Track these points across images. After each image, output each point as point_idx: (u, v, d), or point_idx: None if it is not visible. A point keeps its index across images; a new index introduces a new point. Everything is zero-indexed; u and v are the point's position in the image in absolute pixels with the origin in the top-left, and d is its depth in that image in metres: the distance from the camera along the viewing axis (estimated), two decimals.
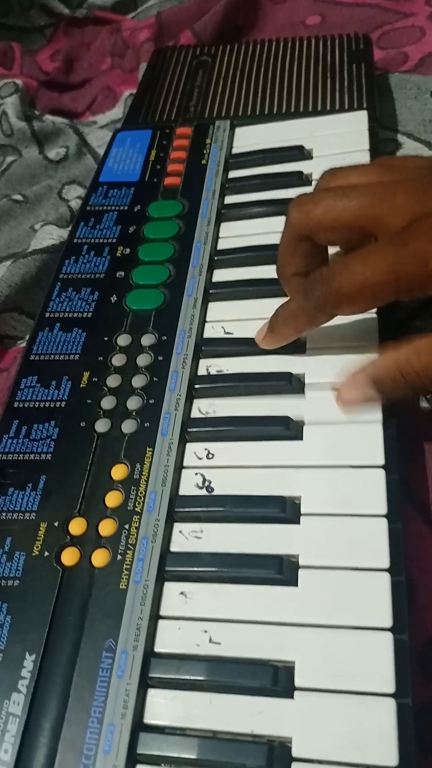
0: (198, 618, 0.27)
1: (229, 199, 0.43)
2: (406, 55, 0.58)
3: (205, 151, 0.46)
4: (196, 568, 0.28)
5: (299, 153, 0.44)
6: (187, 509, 0.30)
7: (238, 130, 0.48)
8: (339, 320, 0.34)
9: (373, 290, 0.29)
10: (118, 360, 0.35)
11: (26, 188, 0.57)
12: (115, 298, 0.38)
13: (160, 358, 0.35)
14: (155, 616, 0.27)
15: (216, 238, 0.41)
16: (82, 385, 0.35)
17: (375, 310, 0.34)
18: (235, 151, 0.46)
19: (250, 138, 0.47)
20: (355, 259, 0.29)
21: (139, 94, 0.54)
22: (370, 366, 0.31)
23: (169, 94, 0.53)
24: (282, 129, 0.47)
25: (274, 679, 0.25)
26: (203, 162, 0.45)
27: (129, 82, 0.65)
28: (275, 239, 0.39)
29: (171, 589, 0.28)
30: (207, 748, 0.24)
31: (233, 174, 0.45)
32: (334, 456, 0.30)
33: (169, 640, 0.27)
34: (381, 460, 0.29)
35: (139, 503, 0.30)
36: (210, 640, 0.26)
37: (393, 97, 0.55)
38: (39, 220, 0.55)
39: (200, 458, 0.32)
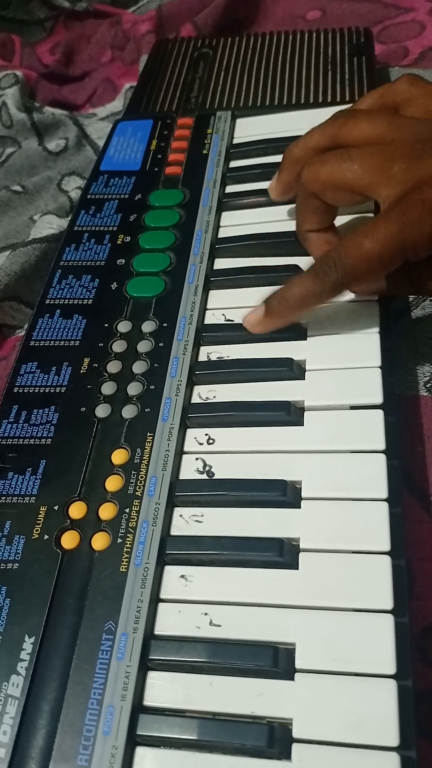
0: (198, 601, 0.27)
1: (230, 189, 0.43)
2: (406, 50, 0.58)
3: (206, 141, 0.46)
4: (196, 552, 0.28)
5: None
6: (187, 493, 0.30)
7: (239, 121, 0.48)
8: (340, 307, 0.34)
9: (383, 261, 0.30)
10: (118, 346, 0.35)
11: (26, 179, 0.57)
12: (116, 285, 0.38)
13: (161, 344, 0.35)
14: (155, 599, 0.27)
15: (217, 226, 0.41)
16: (82, 371, 0.35)
17: (376, 296, 0.34)
18: (236, 141, 0.46)
19: (251, 129, 0.47)
20: (362, 236, 0.30)
21: (140, 84, 0.54)
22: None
23: (170, 85, 0.53)
24: (283, 120, 0.47)
25: (275, 661, 0.24)
26: (204, 152, 0.45)
27: (129, 74, 0.65)
28: (276, 228, 0.39)
29: (171, 572, 0.28)
30: (207, 728, 0.24)
31: (234, 164, 0.45)
32: (335, 441, 0.30)
33: (170, 622, 0.27)
34: (382, 445, 0.29)
35: (139, 487, 0.30)
36: (210, 623, 0.26)
37: None
38: (38, 210, 0.55)
39: (201, 443, 0.32)
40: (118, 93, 0.64)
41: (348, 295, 0.34)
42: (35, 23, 0.78)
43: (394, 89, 0.36)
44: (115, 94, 0.65)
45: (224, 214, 0.42)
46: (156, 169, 0.45)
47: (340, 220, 0.37)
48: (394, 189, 0.31)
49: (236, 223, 0.41)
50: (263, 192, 0.42)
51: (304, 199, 0.35)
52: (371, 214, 0.38)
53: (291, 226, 0.39)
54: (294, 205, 0.40)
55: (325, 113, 0.46)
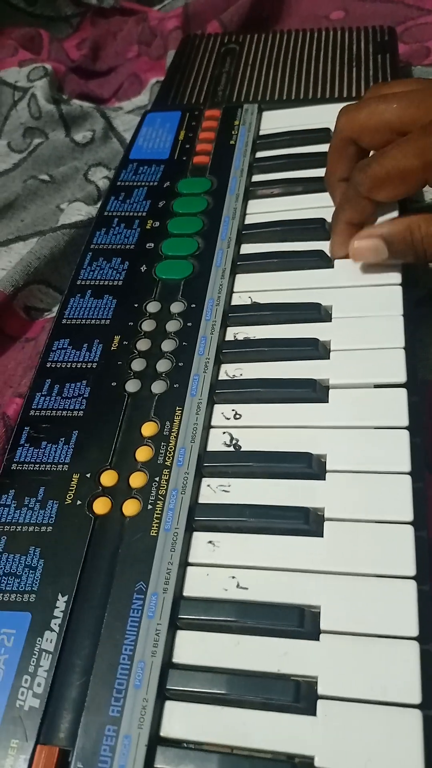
0: (226, 565, 0.28)
1: (257, 178, 0.44)
2: (428, 49, 0.60)
3: (233, 132, 0.47)
4: (224, 519, 0.29)
5: (325, 135, 0.45)
6: (215, 464, 0.31)
7: (266, 114, 0.49)
8: (364, 291, 0.35)
9: (403, 173, 0.32)
10: (147, 325, 0.36)
11: (53, 169, 0.59)
12: (145, 268, 0.39)
13: (189, 324, 0.36)
14: (184, 563, 0.28)
15: (243, 213, 0.42)
16: (112, 348, 0.36)
17: (399, 281, 0.35)
18: (262, 132, 0.47)
19: (277, 121, 0.48)
20: (391, 147, 0.33)
21: (168, 78, 0.55)
22: (386, 223, 0.35)
23: (198, 79, 0.54)
24: (308, 113, 0.48)
25: (300, 621, 0.25)
26: (231, 142, 0.46)
27: (156, 69, 0.66)
28: (301, 215, 0.40)
29: (199, 538, 0.29)
30: (235, 684, 0.25)
31: (261, 154, 0.46)
32: (359, 417, 0.31)
33: (198, 585, 0.27)
34: (405, 421, 0.30)
35: (168, 458, 0.31)
36: (237, 586, 0.27)
37: None
38: (65, 199, 0.56)
39: (228, 418, 0.33)
40: (144, 87, 0.65)
41: (371, 279, 0.35)
42: (62, 20, 0.79)
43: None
44: (141, 88, 0.66)
45: (251, 202, 0.43)
46: (184, 158, 0.46)
47: None
48: None
49: (262, 210, 0.42)
50: (288, 182, 0.43)
51: (338, 146, 0.37)
52: None
53: (315, 213, 0.40)
54: (318, 194, 0.41)
55: None
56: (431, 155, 0.31)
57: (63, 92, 0.66)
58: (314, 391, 0.32)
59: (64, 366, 0.35)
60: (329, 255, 0.38)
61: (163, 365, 0.34)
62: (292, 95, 0.50)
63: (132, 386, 0.34)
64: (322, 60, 0.53)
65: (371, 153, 0.37)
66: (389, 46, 0.53)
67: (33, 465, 0.32)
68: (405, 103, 0.34)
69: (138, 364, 0.35)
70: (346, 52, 0.53)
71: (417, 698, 0.23)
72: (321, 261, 0.38)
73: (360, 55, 0.53)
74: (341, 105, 0.47)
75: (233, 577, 0.27)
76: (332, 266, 0.37)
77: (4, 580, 0.28)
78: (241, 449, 0.31)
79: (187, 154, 0.46)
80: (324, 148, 0.44)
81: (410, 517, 0.27)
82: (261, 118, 0.49)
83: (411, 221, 0.34)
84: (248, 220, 0.42)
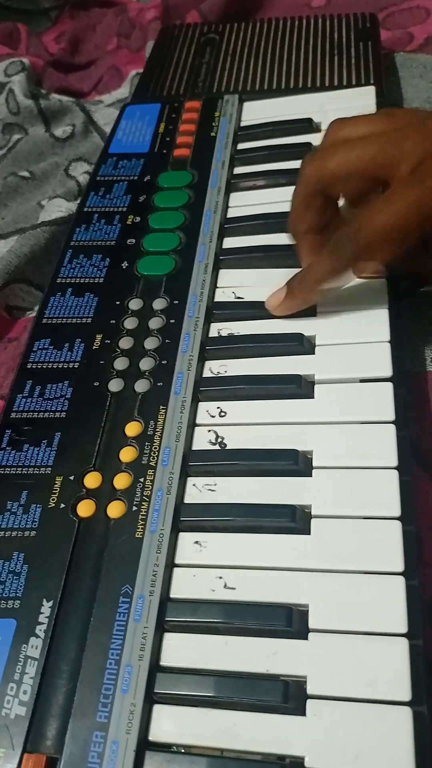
0: (213, 565, 0.27)
1: (239, 170, 0.44)
2: (411, 35, 0.59)
3: (214, 124, 0.46)
4: (210, 518, 0.29)
5: (308, 125, 0.45)
6: (200, 463, 0.30)
7: (247, 105, 0.48)
8: (350, 283, 0.35)
9: (401, 232, 0.30)
10: (130, 323, 0.36)
11: (33, 165, 0.58)
12: (126, 264, 0.39)
13: (172, 321, 0.36)
14: (170, 564, 0.28)
15: (226, 206, 0.41)
16: (94, 347, 0.35)
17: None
18: (243, 123, 0.47)
19: (258, 112, 0.47)
20: (377, 209, 0.30)
21: (147, 70, 0.55)
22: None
23: (177, 70, 0.53)
24: (290, 103, 0.47)
25: (288, 620, 0.25)
26: (212, 134, 0.46)
27: (135, 61, 0.65)
28: (284, 208, 0.39)
29: (185, 538, 0.28)
30: (223, 685, 0.24)
31: (242, 146, 0.45)
32: (345, 412, 0.31)
33: (185, 586, 0.27)
34: (392, 416, 0.30)
35: (153, 458, 0.30)
36: (225, 586, 0.27)
37: (399, 76, 0.55)
38: (46, 196, 0.55)
39: (213, 416, 0.32)
40: (124, 80, 0.65)
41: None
42: (40, 13, 0.78)
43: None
44: (121, 81, 0.65)
45: (233, 195, 0.42)
46: (164, 151, 0.45)
47: None
48: (411, 162, 0.30)
49: (245, 203, 0.41)
50: (271, 173, 0.42)
51: (306, 197, 0.34)
52: None
53: None
54: None
55: (331, 97, 0.47)
56: (427, 205, 0.29)
57: (42, 87, 0.65)
58: (299, 387, 0.32)
59: (45, 366, 0.35)
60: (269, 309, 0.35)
61: (146, 363, 0.34)
62: (273, 85, 0.50)
63: (115, 385, 0.33)
64: (303, 49, 0.52)
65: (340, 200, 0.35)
66: (371, 33, 0.53)
67: (15, 468, 0.31)
68: (378, 147, 0.31)
69: (121, 363, 0.34)
70: (328, 40, 0.52)
71: (407, 695, 0.23)
72: None
73: (342, 43, 0.52)
74: (323, 94, 0.47)
75: (220, 578, 0.27)
76: None
77: None
78: (227, 447, 0.31)
79: (168, 147, 0.46)
80: (307, 138, 0.44)
81: (398, 512, 0.27)
82: (242, 109, 0.48)
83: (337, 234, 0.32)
84: (230, 214, 0.41)
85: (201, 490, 0.30)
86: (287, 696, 0.24)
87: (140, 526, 0.28)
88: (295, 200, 0.34)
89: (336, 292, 0.35)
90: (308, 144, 0.43)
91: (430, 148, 0.30)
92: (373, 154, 0.31)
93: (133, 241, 0.40)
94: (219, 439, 0.31)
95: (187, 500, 0.29)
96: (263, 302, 0.35)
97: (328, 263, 0.32)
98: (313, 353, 0.33)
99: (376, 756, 0.22)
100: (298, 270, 0.35)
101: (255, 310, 0.35)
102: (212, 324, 0.36)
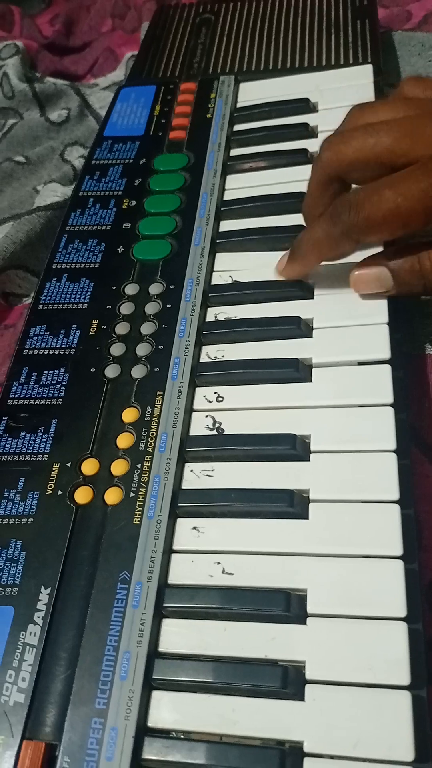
0: (211, 551, 0.27)
1: (235, 152, 0.43)
2: (409, 13, 0.58)
3: (209, 106, 0.46)
4: (208, 504, 0.28)
5: (305, 105, 0.44)
6: (198, 449, 0.30)
7: (243, 85, 0.48)
8: (347, 265, 0.34)
9: (403, 217, 0.29)
10: (126, 308, 0.36)
11: (28, 150, 0.57)
12: (122, 249, 0.38)
13: (169, 305, 0.35)
14: (168, 550, 0.28)
15: (222, 189, 0.41)
16: (91, 333, 0.35)
17: None
18: (240, 104, 0.46)
19: (255, 92, 0.47)
20: (386, 185, 0.29)
21: (142, 51, 0.54)
22: (389, 251, 0.32)
23: (173, 51, 0.53)
24: (287, 83, 0.46)
25: (287, 605, 0.25)
26: (208, 116, 0.45)
27: (131, 43, 0.64)
28: (282, 189, 0.39)
29: (183, 524, 0.28)
30: (222, 671, 0.24)
31: (238, 127, 0.45)
32: (343, 396, 0.30)
33: (183, 572, 0.27)
34: (390, 398, 0.30)
35: (150, 444, 0.30)
36: (223, 571, 0.27)
37: (396, 54, 0.54)
38: (41, 181, 0.54)
39: (210, 401, 0.32)
40: (120, 62, 0.64)
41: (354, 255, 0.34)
42: None
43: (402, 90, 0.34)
44: (116, 63, 0.64)
45: (229, 177, 0.42)
46: (160, 133, 0.45)
47: None
48: (430, 150, 0.29)
49: (241, 185, 0.41)
50: (268, 155, 0.42)
51: (322, 182, 0.33)
52: None
53: (296, 187, 0.39)
54: (299, 167, 0.40)
55: (329, 76, 0.46)
56: None
57: (36, 70, 0.64)
58: (297, 371, 0.31)
59: (41, 353, 0.35)
60: (277, 271, 0.35)
61: (142, 349, 0.34)
62: (270, 65, 0.49)
63: (111, 371, 0.33)
64: (299, 27, 0.51)
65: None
66: (369, 11, 0.52)
67: (12, 456, 0.31)
68: (397, 134, 0.30)
69: (117, 349, 0.34)
70: (325, 19, 0.51)
71: (406, 679, 0.23)
72: None
73: (339, 22, 0.51)
74: (320, 73, 0.47)
75: (218, 563, 0.27)
76: None
77: None
78: (224, 432, 0.31)
79: (163, 130, 0.45)
80: (304, 118, 0.44)
81: (396, 496, 0.27)
82: (238, 89, 0.47)
83: (421, 249, 0.31)
84: (227, 196, 0.41)
85: (199, 476, 0.29)
86: (286, 681, 0.24)
87: (138, 513, 0.28)
88: (311, 185, 0.33)
89: (333, 273, 0.34)
90: (305, 125, 0.43)
91: None
92: (392, 140, 0.30)
93: (129, 225, 0.40)
94: (216, 424, 0.31)
95: (184, 486, 0.29)
96: (261, 285, 0.35)
97: (324, 227, 0.31)
98: (311, 336, 0.33)
99: (376, 740, 0.22)
100: None
101: (252, 293, 0.35)
102: (209, 308, 0.35)
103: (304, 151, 0.41)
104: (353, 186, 0.33)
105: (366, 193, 0.30)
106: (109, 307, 0.36)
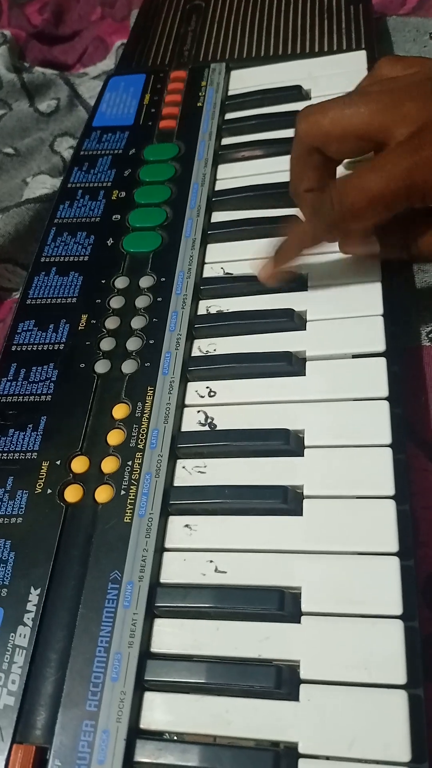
0: (203, 549, 0.27)
1: (227, 141, 0.42)
2: None
3: (200, 94, 0.45)
4: (200, 501, 0.28)
5: (297, 93, 0.43)
6: (189, 445, 0.30)
7: (234, 73, 0.47)
8: (340, 256, 0.34)
9: (386, 199, 0.28)
10: (116, 302, 0.35)
11: (18, 142, 0.56)
12: (112, 241, 0.38)
13: (159, 299, 0.35)
14: (160, 549, 0.27)
15: (213, 179, 0.40)
16: (80, 328, 0.34)
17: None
18: (231, 93, 0.45)
19: (246, 80, 0.46)
20: (366, 170, 0.28)
21: (132, 39, 0.53)
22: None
23: (162, 39, 0.52)
24: (279, 70, 0.46)
25: (281, 604, 0.24)
26: (199, 104, 0.44)
27: (120, 31, 0.63)
28: (275, 179, 0.38)
29: (175, 522, 0.28)
30: (215, 671, 0.24)
31: (230, 116, 0.44)
32: (337, 390, 0.30)
33: (175, 570, 0.27)
34: (385, 392, 0.29)
35: (141, 440, 0.30)
36: (216, 570, 0.26)
37: (391, 40, 0.53)
38: (31, 173, 0.54)
39: (202, 396, 0.31)
40: (109, 51, 0.63)
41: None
42: None
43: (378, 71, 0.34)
44: (106, 52, 0.63)
45: (221, 167, 0.41)
46: (150, 123, 0.44)
47: None
48: (409, 128, 0.28)
49: (233, 175, 0.40)
50: (260, 143, 0.41)
51: (301, 155, 0.32)
52: None
53: (288, 177, 0.38)
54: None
55: (321, 63, 0.45)
56: (418, 176, 0.27)
57: (25, 60, 0.63)
58: (290, 364, 0.31)
59: (30, 348, 0.34)
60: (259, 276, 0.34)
61: (133, 344, 0.33)
62: (261, 52, 0.48)
63: (101, 367, 0.33)
64: (291, 13, 0.50)
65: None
66: None
67: (0, 454, 0.30)
68: (375, 107, 0.29)
69: (107, 344, 0.33)
70: (317, 4, 0.51)
71: (402, 678, 0.23)
72: None
73: (332, 7, 0.50)
74: (313, 60, 0.46)
75: (211, 561, 0.26)
76: None
77: None
78: (217, 428, 0.30)
79: (153, 119, 0.44)
80: (296, 106, 0.43)
81: (392, 491, 0.26)
82: (229, 77, 0.47)
83: (404, 214, 0.30)
84: (218, 186, 0.40)
85: (191, 473, 0.29)
86: (280, 681, 0.23)
87: (129, 511, 0.28)
88: (291, 158, 0.33)
89: (327, 264, 0.33)
90: (297, 112, 0.42)
91: (430, 116, 0.28)
92: (369, 112, 0.29)
93: (119, 217, 0.39)
94: (208, 420, 0.30)
95: (176, 483, 0.29)
96: (253, 277, 0.34)
97: (308, 227, 0.31)
98: (304, 329, 0.32)
99: (372, 741, 0.22)
100: None
101: (244, 285, 0.34)
102: (201, 301, 0.35)
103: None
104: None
105: (348, 182, 0.29)
106: (99, 301, 0.35)
